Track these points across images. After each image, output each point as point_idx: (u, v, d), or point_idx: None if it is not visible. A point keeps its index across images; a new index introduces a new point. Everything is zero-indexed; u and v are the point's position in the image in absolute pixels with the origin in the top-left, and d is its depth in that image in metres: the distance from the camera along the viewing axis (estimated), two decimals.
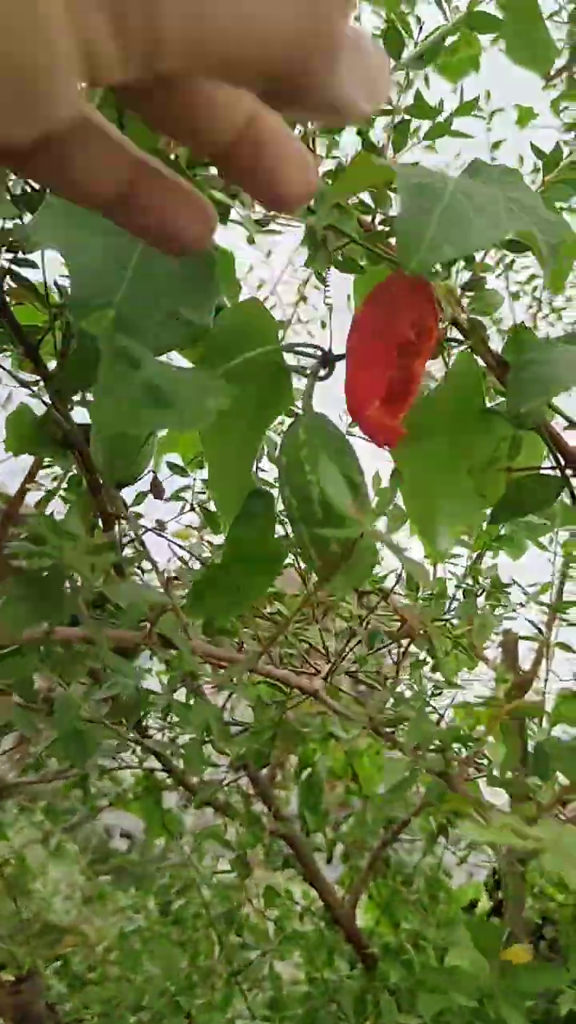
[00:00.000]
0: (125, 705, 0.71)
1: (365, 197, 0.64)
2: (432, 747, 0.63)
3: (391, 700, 0.78)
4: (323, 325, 1.64)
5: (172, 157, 0.61)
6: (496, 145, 1.16)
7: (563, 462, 0.54)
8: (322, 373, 0.56)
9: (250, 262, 1.70)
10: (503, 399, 0.57)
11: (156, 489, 0.80)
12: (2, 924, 2.07)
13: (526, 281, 1.50)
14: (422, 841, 1.56)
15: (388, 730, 0.71)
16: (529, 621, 1.11)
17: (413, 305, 0.53)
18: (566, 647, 1.03)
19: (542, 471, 0.55)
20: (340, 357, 0.56)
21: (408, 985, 1.19)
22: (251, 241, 0.80)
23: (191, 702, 1.07)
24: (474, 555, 0.97)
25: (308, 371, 0.56)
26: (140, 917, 1.75)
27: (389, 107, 0.67)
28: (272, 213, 0.66)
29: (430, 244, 0.44)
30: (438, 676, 1.09)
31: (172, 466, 0.83)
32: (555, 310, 1.46)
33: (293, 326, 1.63)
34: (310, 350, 0.57)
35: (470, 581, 0.93)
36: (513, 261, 1.54)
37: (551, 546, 0.96)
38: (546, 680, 1.13)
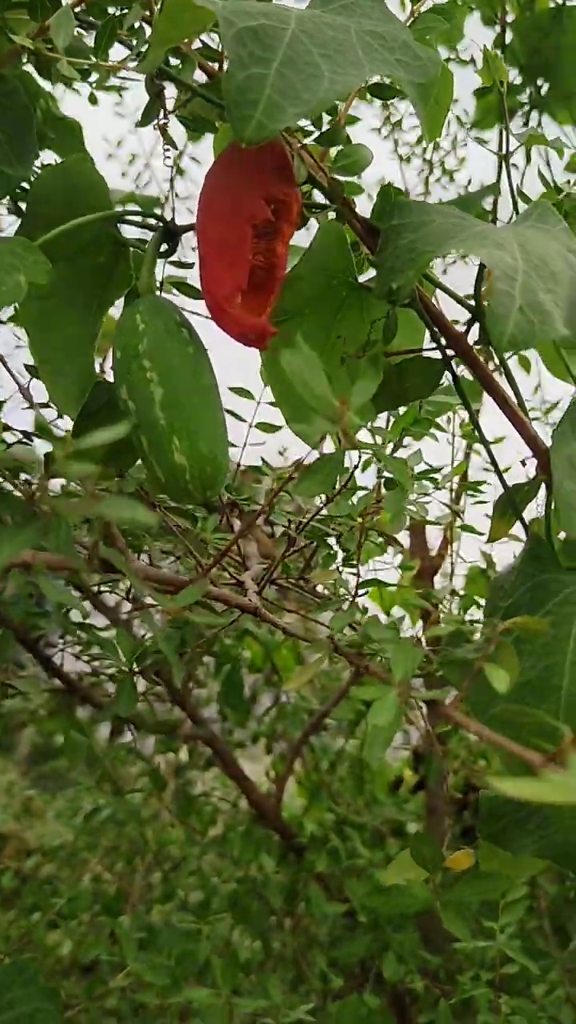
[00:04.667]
0: None
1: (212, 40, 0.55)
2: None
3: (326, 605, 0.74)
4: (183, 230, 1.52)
5: None
6: None
7: (444, 342, 0.48)
8: (164, 248, 0.48)
9: (119, 135, 1.56)
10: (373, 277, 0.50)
11: None
12: None
13: (416, 142, 1.40)
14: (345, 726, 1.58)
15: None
16: (444, 504, 1.08)
17: (265, 174, 0.45)
18: (471, 529, 1.00)
19: (423, 353, 0.49)
20: (187, 228, 0.48)
21: (335, 871, 1.20)
22: (93, 100, 0.71)
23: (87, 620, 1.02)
24: (390, 443, 0.91)
25: (147, 245, 0.47)
26: (76, 820, 1.75)
27: None
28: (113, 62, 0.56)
29: (268, 106, 0.36)
30: (352, 570, 1.06)
31: (30, 368, 0.74)
32: (447, 172, 1.37)
33: (171, 203, 1.51)
34: (150, 220, 0.48)
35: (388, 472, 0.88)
36: (401, 120, 1.44)
37: (448, 426, 0.91)
38: (453, 563, 1.11)
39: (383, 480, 0.74)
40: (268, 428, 0.89)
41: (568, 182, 1.05)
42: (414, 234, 0.43)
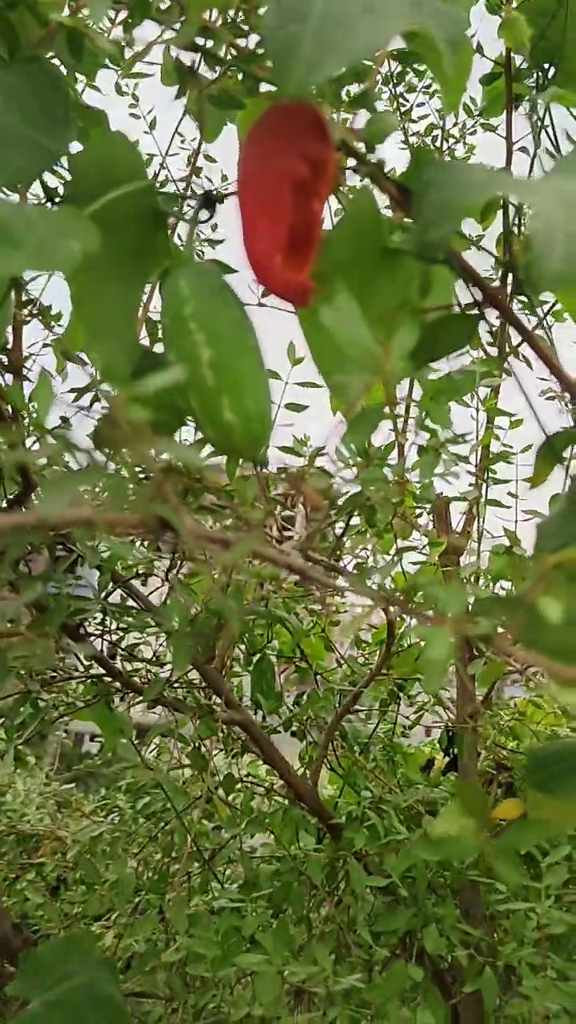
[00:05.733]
0: (49, 616, 0.66)
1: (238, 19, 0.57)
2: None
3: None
4: (220, 199, 1.54)
5: None
6: None
7: (480, 297, 0.49)
8: (204, 216, 0.49)
9: (135, 137, 1.58)
10: (406, 236, 0.52)
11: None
12: None
13: (425, 132, 1.42)
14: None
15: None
16: (470, 473, 1.08)
17: (302, 135, 0.46)
18: (497, 503, 1.01)
19: (456, 309, 0.50)
20: (224, 197, 0.49)
21: (374, 849, 1.21)
22: (119, 90, 0.72)
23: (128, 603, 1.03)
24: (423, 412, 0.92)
25: (187, 215, 0.49)
26: (111, 819, 1.77)
27: None
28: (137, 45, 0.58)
29: (309, 57, 0.38)
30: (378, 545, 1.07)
31: (67, 356, 0.76)
32: (457, 160, 1.38)
33: (187, 201, 1.53)
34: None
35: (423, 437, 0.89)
36: (411, 109, 1.45)
37: (472, 402, 0.92)
38: (479, 539, 1.12)
39: (421, 448, 0.76)
40: (296, 408, 0.91)
41: None
42: (448, 189, 0.44)
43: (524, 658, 0.41)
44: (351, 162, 0.53)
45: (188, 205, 0.55)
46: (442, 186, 0.45)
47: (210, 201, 0.50)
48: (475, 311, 0.49)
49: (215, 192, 0.50)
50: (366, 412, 0.46)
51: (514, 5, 1.29)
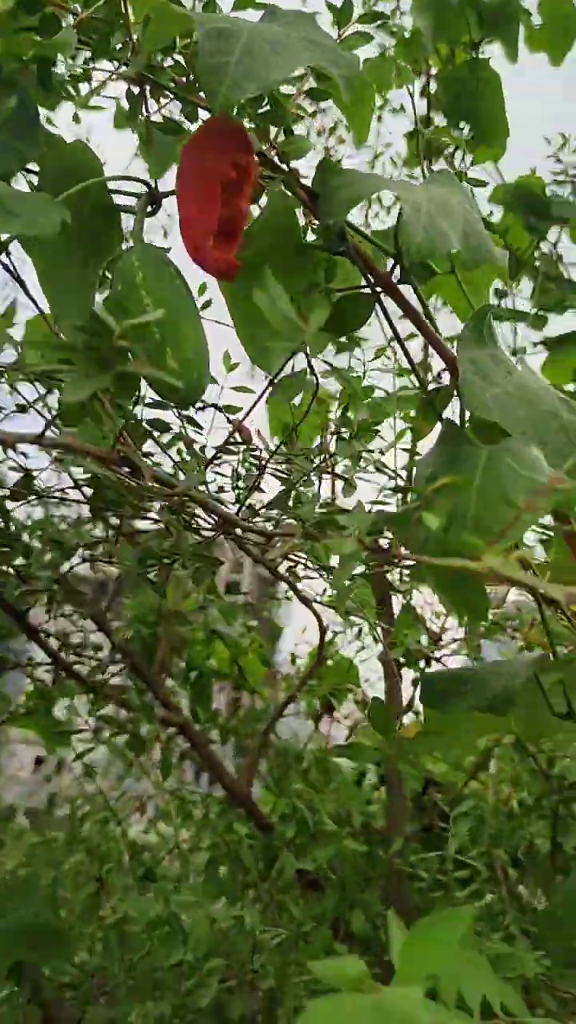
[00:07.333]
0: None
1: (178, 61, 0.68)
2: None
3: None
4: (165, 234, 1.67)
5: None
6: None
7: (374, 281, 0.60)
8: (149, 209, 0.60)
9: None
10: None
11: None
12: None
13: None
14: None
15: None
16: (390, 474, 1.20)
17: (230, 147, 0.58)
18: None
19: (358, 291, 0.62)
20: (166, 194, 0.60)
21: (303, 840, 1.28)
22: (76, 120, 0.83)
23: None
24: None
25: (136, 206, 0.60)
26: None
27: None
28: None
29: (232, 82, 0.49)
30: None
31: None
32: (384, 207, 1.54)
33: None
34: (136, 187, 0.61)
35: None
36: (341, 160, 1.61)
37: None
38: None
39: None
40: (232, 409, 1.01)
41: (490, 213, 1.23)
42: (347, 188, 0.56)
43: (417, 559, 0.50)
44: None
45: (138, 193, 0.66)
46: (341, 188, 0.56)
47: (154, 197, 0.61)
48: (371, 292, 0.60)
49: (157, 188, 0.61)
50: (293, 377, 0.56)
51: (433, 71, 1.46)
